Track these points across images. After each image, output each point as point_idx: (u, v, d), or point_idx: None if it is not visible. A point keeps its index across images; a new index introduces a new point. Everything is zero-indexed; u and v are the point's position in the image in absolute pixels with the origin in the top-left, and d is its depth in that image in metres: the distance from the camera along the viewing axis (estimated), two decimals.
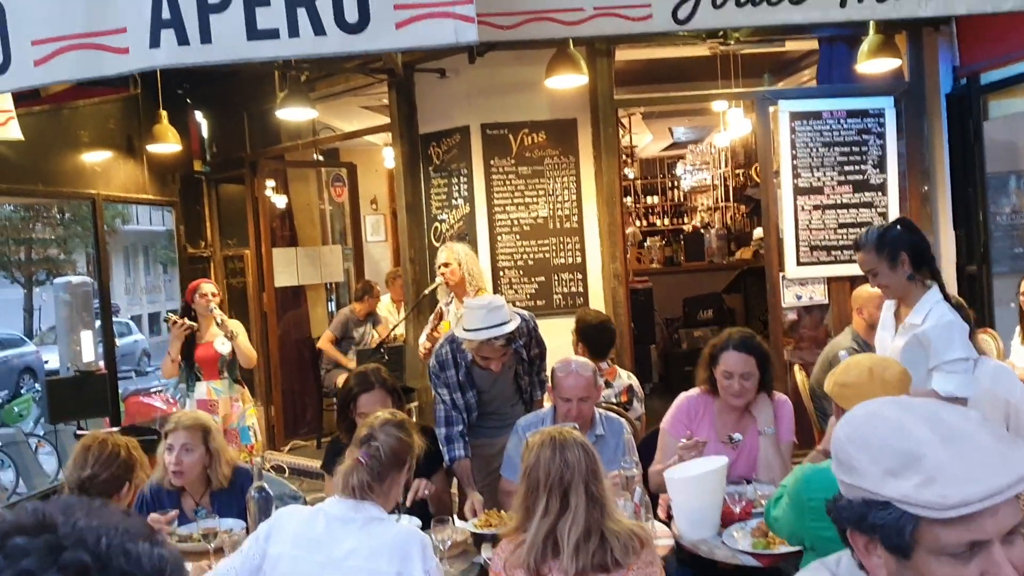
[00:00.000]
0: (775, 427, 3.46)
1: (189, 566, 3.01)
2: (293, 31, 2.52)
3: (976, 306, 5.18)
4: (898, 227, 3.36)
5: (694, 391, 3.63)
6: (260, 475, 3.32)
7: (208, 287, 5.45)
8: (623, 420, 3.72)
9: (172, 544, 0.82)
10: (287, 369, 7.97)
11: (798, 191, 5.76)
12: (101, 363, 7.13)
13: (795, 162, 5.76)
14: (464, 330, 3.69)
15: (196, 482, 3.39)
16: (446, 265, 5.23)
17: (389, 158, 7.80)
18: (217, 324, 5.34)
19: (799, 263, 5.78)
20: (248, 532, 3.25)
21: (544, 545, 2.40)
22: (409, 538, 2.49)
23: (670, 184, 11.05)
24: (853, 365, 2.65)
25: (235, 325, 5.45)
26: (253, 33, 2.50)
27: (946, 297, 3.28)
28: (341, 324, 7.59)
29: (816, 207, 5.78)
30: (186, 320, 5.32)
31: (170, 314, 5.43)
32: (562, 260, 5.97)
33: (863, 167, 5.76)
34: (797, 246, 5.78)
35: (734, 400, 3.43)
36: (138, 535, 0.83)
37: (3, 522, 0.80)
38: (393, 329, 6.77)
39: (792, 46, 6.55)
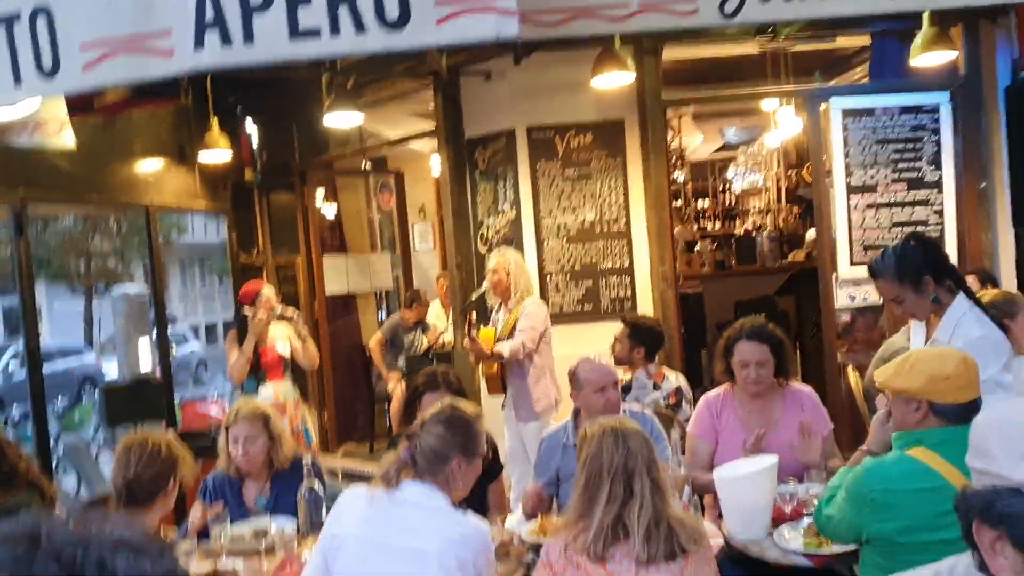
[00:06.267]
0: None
1: (240, 564, 3.04)
2: (334, 29, 2.53)
3: None
4: (912, 244, 3.19)
5: (713, 391, 3.69)
6: (311, 474, 3.36)
7: (269, 291, 5.52)
8: (648, 414, 3.70)
9: (171, 557, 0.85)
10: (339, 375, 8.04)
11: (851, 190, 5.64)
12: (158, 372, 7.25)
13: (847, 160, 5.64)
14: None
15: (260, 468, 3.52)
16: (493, 271, 5.23)
17: (436, 166, 7.82)
18: (291, 323, 5.46)
19: (852, 263, 5.66)
20: (298, 531, 3.30)
21: (611, 531, 2.38)
22: (475, 531, 2.53)
23: (721, 187, 10.91)
24: (947, 357, 2.48)
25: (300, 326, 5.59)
26: (295, 32, 2.52)
27: (976, 300, 3.14)
28: (391, 329, 7.63)
29: (869, 206, 5.65)
30: (261, 312, 5.35)
31: (247, 308, 5.45)
32: (610, 264, 5.92)
33: (918, 164, 5.63)
34: (851, 246, 5.66)
35: (751, 388, 3.50)
36: (127, 547, 0.84)
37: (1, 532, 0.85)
38: (441, 335, 6.78)
39: (843, 42, 6.43)
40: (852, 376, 5.23)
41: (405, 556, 2.48)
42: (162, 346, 7.06)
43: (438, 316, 7.91)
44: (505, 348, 4.99)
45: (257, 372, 5.48)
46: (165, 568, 0.86)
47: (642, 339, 4.60)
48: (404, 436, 2.68)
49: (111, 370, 12.58)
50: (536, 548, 3.11)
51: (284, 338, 5.45)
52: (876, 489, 2.36)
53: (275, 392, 5.42)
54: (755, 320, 3.60)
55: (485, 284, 5.33)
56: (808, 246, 8.11)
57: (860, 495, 2.39)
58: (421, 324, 7.76)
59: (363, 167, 8.84)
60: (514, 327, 5.11)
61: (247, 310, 5.38)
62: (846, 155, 5.64)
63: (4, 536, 0.84)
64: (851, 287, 5.73)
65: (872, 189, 5.63)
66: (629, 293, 5.89)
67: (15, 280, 5.55)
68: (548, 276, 5.94)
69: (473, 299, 5.56)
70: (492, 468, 3.70)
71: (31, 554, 0.81)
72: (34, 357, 5.77)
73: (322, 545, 2.61)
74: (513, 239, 5.99)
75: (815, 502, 3.05)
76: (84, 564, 0.80)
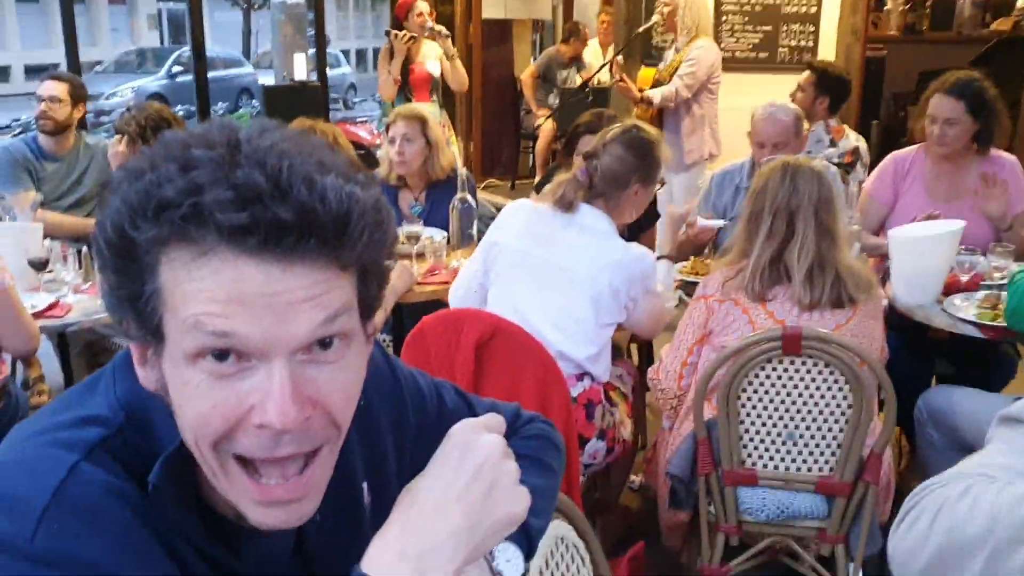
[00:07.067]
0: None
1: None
2: None
3: None
4: None
5: (903, 150, 3.40)
6: (464, 187, 3.36)
7: (424, 5, 5.34)
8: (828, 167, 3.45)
9: (373, 186, 0.75)
10: (488, 106, 7.92)
11: None
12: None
13: None
14: None
15: (417, 174, 3.49)
16: (666, 3, 4.84)
17: None
18: (439, 41, 5.27)
19: None
20: (449, 242, 3.34)
21: (770, 269, 2.27)
22: (635, 259, 2.47)
23: None
24: None
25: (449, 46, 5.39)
26: None
27: None
28: (544, 63, 7.39)
29: None
30: (408, 32, 5.22)
31: (393, 30, 5.34)
32: (794, 8, 5.43)
33: None
34: None
35: (935, 148, 3.18)
36: (332, 169, 0.74)
37: (191, 134, 0.74)
38: (599, 70, 6.49)
39: None
40: None
41: (557, 273, 2.45)
42: (320, 60, 7.07)
43: (595, 55, 7.57)
44: (657, 94, 4.70)
45: (405, 89, 5.41)
46: (373, 196, 0.78)
47: (828, 88, 4.22)
48: (583, 155, 2.57)
49: (268, 82, 12.84)
50: (687, 284, 3.07)
51: (434, 57, 5.32)
52: None
53: None
54: (964, 74, 3.18)
55: (655, 17, 4.96)
56: (1018, 13, 7.24)
57: None
58: (577, 60, 7.47)
59: None
60: (677, 69, 4.79)
61: (394, 37, 5.23)
62: None
63: (199, 138, 0.74)
64: None
65: None
66: (811, 43, 5.42)
67: None
68: (724, 17, 5.50)
69: (639, 32, 5.22)
70: (648, 215, 3.58)
71: (233, 158, 0.71)
72: (200, 61, 5.89)
73: (482, 250, 2.61)
74: None
75: (995, 276, 2.86)
76: (291, 178, 0.71)
